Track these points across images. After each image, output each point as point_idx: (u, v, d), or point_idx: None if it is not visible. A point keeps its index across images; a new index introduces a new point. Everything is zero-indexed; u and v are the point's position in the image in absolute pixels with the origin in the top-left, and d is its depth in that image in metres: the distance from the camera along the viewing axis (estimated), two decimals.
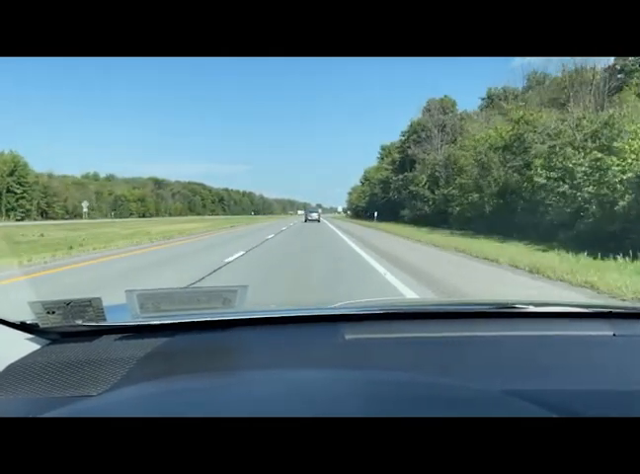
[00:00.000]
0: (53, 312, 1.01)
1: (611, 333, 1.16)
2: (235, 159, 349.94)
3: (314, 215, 47.51)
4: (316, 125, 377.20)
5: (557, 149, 16.59)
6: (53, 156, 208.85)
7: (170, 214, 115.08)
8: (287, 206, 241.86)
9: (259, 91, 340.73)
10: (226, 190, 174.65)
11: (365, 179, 75.86)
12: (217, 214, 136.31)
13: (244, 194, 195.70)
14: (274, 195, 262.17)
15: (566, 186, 14.93)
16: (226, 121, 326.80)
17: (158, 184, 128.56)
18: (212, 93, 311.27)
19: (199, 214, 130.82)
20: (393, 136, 68.00)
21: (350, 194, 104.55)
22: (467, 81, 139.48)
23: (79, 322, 1.01)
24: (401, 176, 42.16)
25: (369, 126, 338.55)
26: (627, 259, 9.07)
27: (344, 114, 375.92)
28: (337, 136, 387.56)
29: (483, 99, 38.86)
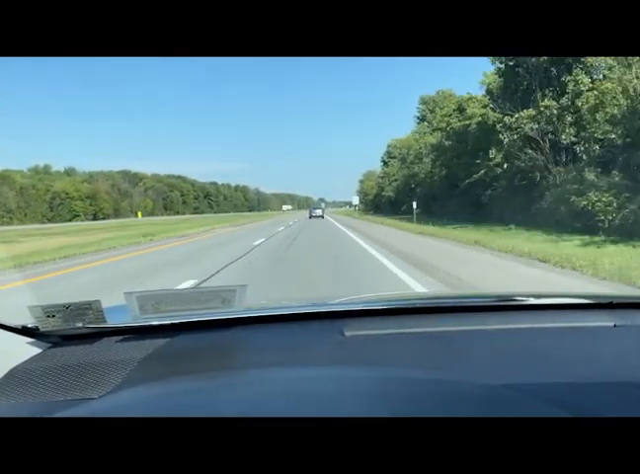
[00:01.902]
0: (53, 315, 1.00)
1: (612, 323, 1.15)
2: (233, 157, 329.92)
3: (318, 212, 47.60)
4: (316, 111, 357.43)
5: None
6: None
7: (136, 215, 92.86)
8: (287, 202, 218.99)
9: (253, 77, 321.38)
10: (214, 183, 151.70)
11: (390, 156, 51.87)
12: (203, 212, 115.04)
13: (236, 188, 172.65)
14: (272, 189, 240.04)
15: None
16: (223, 116, 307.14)
17: (128, 177, 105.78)
18: (210, 89, 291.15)
19: (177, 213, 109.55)
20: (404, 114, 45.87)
21: (361, 182, 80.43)
22: None
23: (79, 324, 1.00)
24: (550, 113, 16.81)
25: (374, 108, 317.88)
26: None
27: (345, 96, 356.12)
28: (339, 121, 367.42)
29: None
